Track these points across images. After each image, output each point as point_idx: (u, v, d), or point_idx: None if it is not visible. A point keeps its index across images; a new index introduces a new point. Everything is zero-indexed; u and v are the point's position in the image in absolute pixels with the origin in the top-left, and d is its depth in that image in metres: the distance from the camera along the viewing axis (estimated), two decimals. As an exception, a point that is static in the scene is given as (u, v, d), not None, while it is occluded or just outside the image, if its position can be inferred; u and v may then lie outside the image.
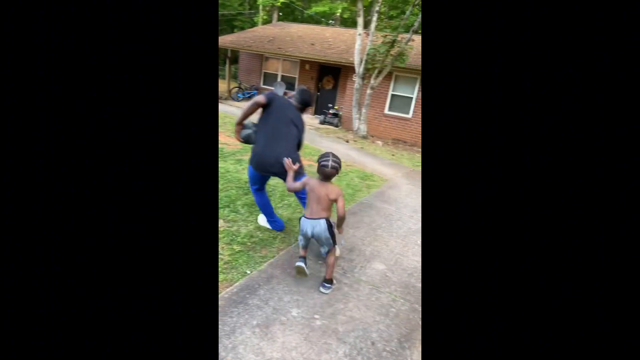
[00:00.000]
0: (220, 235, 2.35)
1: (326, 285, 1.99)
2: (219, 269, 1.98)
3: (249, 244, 2.34)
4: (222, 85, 12.89)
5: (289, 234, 2.60)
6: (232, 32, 20.65)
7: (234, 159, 4.17)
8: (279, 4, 19.56)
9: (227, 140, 5.17)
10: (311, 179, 2.02)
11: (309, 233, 1.95)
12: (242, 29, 20.53)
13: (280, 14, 20.47)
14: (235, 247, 2.25)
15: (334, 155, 1.95)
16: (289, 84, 10.33)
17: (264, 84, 10.85)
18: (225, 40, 10.75)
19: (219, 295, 1.77)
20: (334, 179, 1.99)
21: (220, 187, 3.21)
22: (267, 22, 20.02)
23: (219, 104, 9.35)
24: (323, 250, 2.00)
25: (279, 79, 10.49)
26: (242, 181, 3.45)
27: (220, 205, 2.80)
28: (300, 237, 2.02)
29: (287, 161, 2.07)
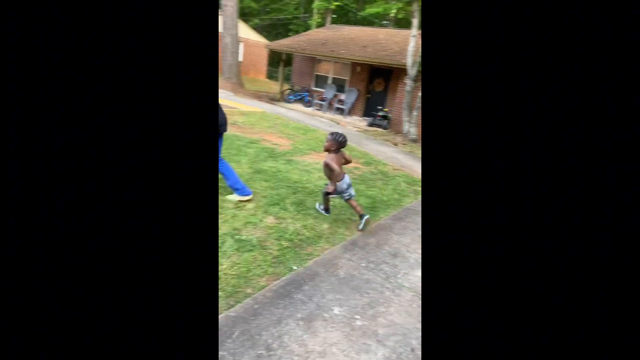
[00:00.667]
0: (270, 231, 2.51)
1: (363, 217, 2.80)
2: (268, 263, 2.13)
3: (296, 240, 2.46)
4: (275, 87, 13.44)
5: (333, 234, 2.68)
6: (287, 35, 21.37)
7: (284, 159, 4.38)
8: (333, 6, 19.78)
9: (279, 141, 5.42)
10: (328, 156, 2.74)
11: (349, 182, 2.85)
12: (297, 32, 21.15)
13: (334, 16, 20.68)
14: (283, 243, 2.39)
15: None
16: (340, 86, 10.44)
17: (315, 86, 11.10)
18: (280, 44, 11.20)
19: (268, 287, 1.92)
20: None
21: (271, 185, 3.40)
22: (320, 25, 20.36)
23: (272, 105, 9.79)
24: (352, 191, 2.85)
25: (329, 81, 10.65)
26: (292, 180, 3.62)
27: (271, 203, 2.98)
28: (349, 191, 2.81)
29: None
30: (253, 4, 23.64)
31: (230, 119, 6.59)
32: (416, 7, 7.39)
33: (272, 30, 24.19)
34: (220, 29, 13.48)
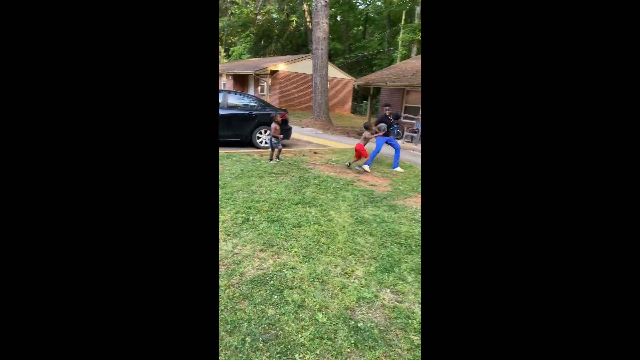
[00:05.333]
0: (391, 315, 1.91)
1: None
2: (400, 374, 1.52)
3: (429, 334, 1.80)
4: (361, 121, 13.27)
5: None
6: (372, 70, 21.63)
7: (386, 205, 3.80)
8: (418, 37, 19.41)
9: (376, 181, 4.91)
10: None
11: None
12: (381, 66, 21.21)
13: (420, 47, 20.20)
14: (412, 336, 1.75)
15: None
16: (433, 116, 9.68)
17: (404, 118, 10.53)
18: (368, 79, 11.09)
19: None
20: None
21: (378, 241, 2.84)
22: (406, 57, 20.05)
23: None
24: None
25: (421, 112, 9.97)
26: (401, 234, 2.99)
27: (383, 268, 2.40)
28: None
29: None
30: (339, 45, 24.91)
31: (322, 158, 6.44)
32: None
33: (356, 67, 24.86)
34: (310, 71, 14.19)
